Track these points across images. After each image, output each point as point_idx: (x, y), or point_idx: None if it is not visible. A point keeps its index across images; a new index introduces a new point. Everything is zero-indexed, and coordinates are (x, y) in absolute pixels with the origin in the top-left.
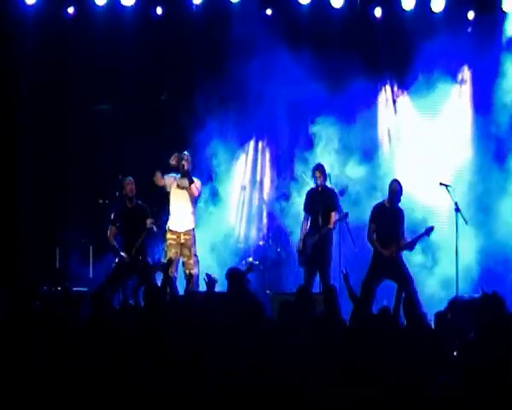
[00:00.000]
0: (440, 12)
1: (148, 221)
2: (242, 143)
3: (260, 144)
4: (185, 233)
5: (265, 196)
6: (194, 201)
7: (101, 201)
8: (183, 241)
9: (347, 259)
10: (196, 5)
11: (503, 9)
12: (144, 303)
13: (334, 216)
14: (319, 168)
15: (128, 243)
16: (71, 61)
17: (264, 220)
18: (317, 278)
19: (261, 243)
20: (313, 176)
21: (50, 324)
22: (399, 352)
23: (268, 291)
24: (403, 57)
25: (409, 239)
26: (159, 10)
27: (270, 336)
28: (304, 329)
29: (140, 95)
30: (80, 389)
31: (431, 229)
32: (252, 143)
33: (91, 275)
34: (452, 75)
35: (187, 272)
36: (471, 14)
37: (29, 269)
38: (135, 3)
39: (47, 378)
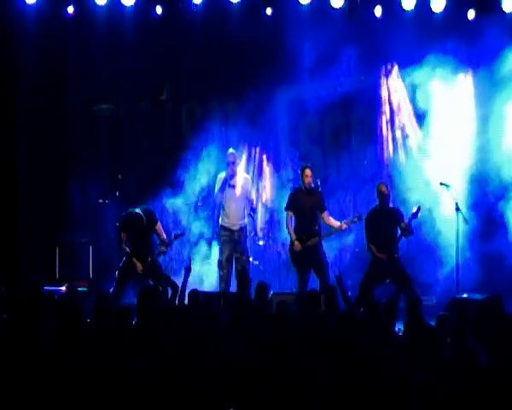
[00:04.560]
0: (440, 12)
1: (161, 247)
2: (242, 144)
3: (260, 143)
4: (239, 230)
5: (266, 195)
6: (244, 197)
7: (101, 201)
8: (236, 237)
9: (347, 259)
10: (196, 5)
11: (503, 9)
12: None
13: (327, 216)
14: (309, 169)
15: (139, 250)
16: (71, 61)
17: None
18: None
19: (261, 242)
20: (301, 176)
21: (54, 324)
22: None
23: None
24: (402, 56)
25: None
26: (159, 10)
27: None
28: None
29: (140, 95)
30: (80, 389)
31: (418, 209)
32: (250, 143)
33: (91, 275)
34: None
35: (239, 267)
36: (471, 14)
37: (29, 269)
38: (135, 3)
39: (47, 378)
